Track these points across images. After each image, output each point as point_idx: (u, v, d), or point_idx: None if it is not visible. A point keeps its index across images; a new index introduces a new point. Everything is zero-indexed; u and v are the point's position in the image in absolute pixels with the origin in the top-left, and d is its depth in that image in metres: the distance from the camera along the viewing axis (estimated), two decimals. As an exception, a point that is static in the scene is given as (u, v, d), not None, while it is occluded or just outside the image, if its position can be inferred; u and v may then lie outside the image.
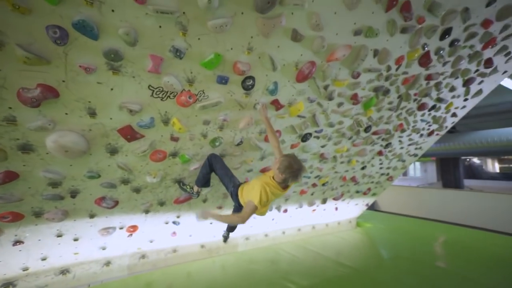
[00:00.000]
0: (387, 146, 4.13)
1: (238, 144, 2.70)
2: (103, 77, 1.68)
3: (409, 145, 4.51)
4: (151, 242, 3.50)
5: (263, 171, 3.23)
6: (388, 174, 5.16)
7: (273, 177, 2.15)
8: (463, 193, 8.65)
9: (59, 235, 2.64)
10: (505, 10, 2.53)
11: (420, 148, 4.83)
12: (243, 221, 2.11)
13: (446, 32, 2.54)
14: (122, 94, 1.82)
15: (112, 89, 1.76)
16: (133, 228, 3.09)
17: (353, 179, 4.59)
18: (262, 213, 2.31)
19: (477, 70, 3.39)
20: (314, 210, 4.95)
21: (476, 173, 19.14)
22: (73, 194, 2.31)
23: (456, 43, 2.73)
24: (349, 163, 4.08)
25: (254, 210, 2.11)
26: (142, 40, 1.61)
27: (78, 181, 2.23)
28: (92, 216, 2.64)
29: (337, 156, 3.77)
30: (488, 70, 3.49)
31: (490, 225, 6.54)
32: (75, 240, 2.80)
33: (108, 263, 3.36)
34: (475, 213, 7.19)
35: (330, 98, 2.67)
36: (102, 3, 1.40)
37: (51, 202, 2.27)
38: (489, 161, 20.74)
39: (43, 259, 2.80)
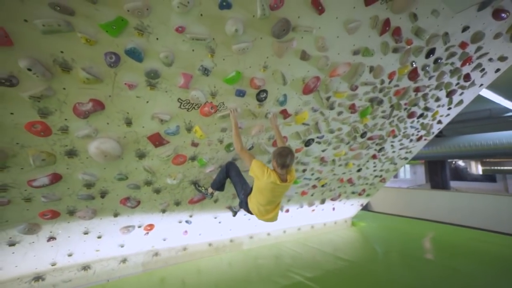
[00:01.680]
0: (380, 150, 4.47)
1: (249, 149, 2.97)
2: (141, 92, 1.95)
3: (400, 149, 4.87)
4: (164, 240, 3.71)
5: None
6: (381, 176, 5.50)
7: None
8: (449, 194, 9.12)
9: (86, 233, 2.85)
10: (477, 35, 2.93)
11: (410, 152, 5.20)
12: (239, 149, 2.34)
13: (431, 52, 2.90)
14: (155, 106, 2.09)
15: (147, 101, 2.03)
16: (150, 226, 3.31)
17: (349, 180, 4.91)
18: (270, 219, 2.47)
19: (457, 83, 3.78)
20: (313, 210, 5.24)
21: (461, 175, 19.86)
22: (103, 194, 2.53)
23: (439, 61, 3.10)
24: (346, 166, 4.40)
25: (250, 161, 2.30)
26: (177, 61, 1.88)
27: (108, 183, 2.47)
28: (116, 215, 2.86)
29: (335, 160, 4.08)
30: (467, 83, 3.89)
31: (475, 223, 6.96)
32: (99, 237, 3.01)
33: (124, 260, 3.56)
34: (461, 212, 7.61)
35: (331, 107, 2.98)
36: (150, 33, 1.67)
37: (83, 201, 2.49)
38: (472, 164, 21.46)
39: (69, 255, 2.99)
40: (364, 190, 5.69)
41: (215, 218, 3.86)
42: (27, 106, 1.66)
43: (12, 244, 2.45)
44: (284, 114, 2.76)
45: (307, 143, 3.36)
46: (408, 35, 2.57)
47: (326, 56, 2.38)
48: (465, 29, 2.82)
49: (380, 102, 3.34)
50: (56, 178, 2.12)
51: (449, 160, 14.35)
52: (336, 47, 2.36)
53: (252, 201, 2.46)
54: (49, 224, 2.50)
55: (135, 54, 1.71)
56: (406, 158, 5.39)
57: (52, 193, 2.24)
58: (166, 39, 1.74)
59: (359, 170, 4.78)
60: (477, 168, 21.19)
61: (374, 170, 5.13)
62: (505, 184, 17.15)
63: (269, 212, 2.46)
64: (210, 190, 2.95)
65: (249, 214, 2.67)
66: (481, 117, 8.36)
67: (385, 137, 4.18)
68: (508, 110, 8.38)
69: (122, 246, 3.37)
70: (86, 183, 2.33)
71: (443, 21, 2.60)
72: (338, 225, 6.47)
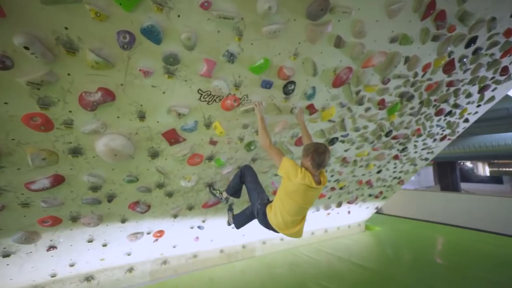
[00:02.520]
0: (403, 150, 4.19)
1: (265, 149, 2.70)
2: (158, 81, 1.69)
3: (423, 149, 4.58)
4: (174, 247, 3.44)
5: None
6: (400, 177, 5.22)
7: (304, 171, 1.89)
8: (464, 196, 8.83)
9: (90, 241, 2.58)
10: None
11: (432, 152, 4.92)
12: (267, 145, 2.03)
13: (472, 41, 2.62)
14: (172, 98, 1.83)
15: (164, 92, 1.77)
16: (160, 233, 3.04)
17: (368, 182, 4.63)
18: (295, 233, 2.10)
19: (493, 78, 3.49)
20: (328, 213, 4.96)
21: (467, 176, 19.53)
22: (110, 198, 2.27)
23: (479, 51, 2.82)
24: (367, 167, 4.12)
25: (280, 158, 1.96)
26: (200, 44, 1.62)
27: (116, 185, 2.21)
28: (123, 221, 2.59)
29: (357, 160, 3.80)
30: (502, 78, 3.60)
31: (494, 227, 6.64)
32: (104, 245, 2.74)
33: (131, 269, 3.29)
34: (477, 216, 7.31)
35: (360, 103, 2.71)
36: (171, 8, 1.41)
37: (88, 206, 2.23)
38: (480, 165, 21.10)
39: (71, 265, 2.73)
40: (381, 193, 5.40)
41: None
42: (24, 94, 1.40)
43: (6, 255, 2.18)
44: (311, 109, 2.49)
45: (331, 142, 3.08)
46: (452, 21, 2.30)
47: (362, 44, 2.11)
48: (513, 14, 2.54)
49: (411, 98, 3.06)
50: (58, 180, 1.86)
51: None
52: (373, 33, 2.09)
53: (274, 210, 2.06)
54: (49, 232, 2.24)
55: (153, 34, 1.45)
56: (426, 159, 5.10)
57: (53, 197, 1.98)
58: (189, 16, 1.47)
59: (379, 172, 4.50)
60: (484, 170, 20.87)
61: (394, 172, 4.85)
62: None
63: (295, 224, 2.08)
64: (225, 194, 2.70)
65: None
66: (497, 117, 7.98)
67: (409, 136, 3.90)
68: (522, 109, 8.10)
69: (129, 255, 3.10)
70: (92, 186, 2.07)
71: (493, 3, 2.32)
72: (352, 229, 6.17)
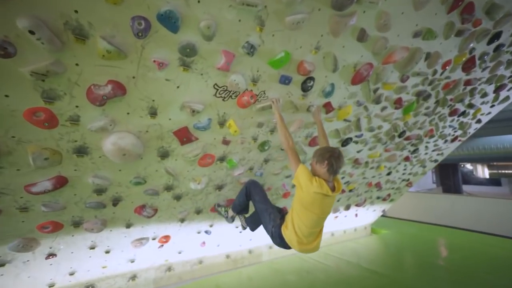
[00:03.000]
0: (414, 151, 4.09)
1: (283, 149, 2.58)
2: (172, 74, 1.56)
3: (433, 150, 4.49)
4: (179, 253, 3.29)
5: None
6: (408, 179, 5.11)
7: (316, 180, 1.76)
8: (468, 198, 8.77)
9: (92, 247, 2.43)
10: None
11: (442, 154, 4.83)
12: (287, 146, 1.89)
13: (496, 36, 2.52)
14: (186, 93, 1.70)
15: (178, 87, 1.64)
16: (166, 238, 2.89)
17: (377, 185, 4.52)
18: (313, 248, 1.94)
19: (510, 76, 3.40)
20: (336, 216, 4.83)
21: (467, 178, 19.55)
22: (115, 202, 2.13)
23: (501, 48, 2.73)
24: (377, 169, 4.01)
25: (297, 164, 1.82)
26: (219, 34, 1.49)
27: (123, 188, 2.06)
28: (128, 226, 2.44)
29: (368, 162, 3.69)
30: (518, 77, 3.52)
31: (502, 231, 6.55)
32: (107, 252, 2.59)
33: (134, 277, 3.13)
34: (480, 218, 7.24)
35: (377, 101, 2.60)
36: (191, -8, 1.28)
37: (92, 210, 2.08)
38: (479, 167, 21.15)
39: (71, 274, 2.56)
40: (389, 195, 5.29)
41: (237, 227, 3.44)
42: (27, 86, 1.27)
43: (1, 264, 2.01)
44: (328, 107, 2.38)
45: (345, 142, 2.96)
46: (478, 14, 2.20)
47: (385, 38, 2.00)
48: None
49: (427, 97, 2.96)
50: (61, 182, 1.71)
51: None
52: (397, 26, 1.98)
53: (290, 227, 1.89)
54: (49, 238, 2.09)
55: (170, 21, 1.32)
56: (436, 161, 5.01)
57: (54, 200, 1.83)
58: (210, 2, 1.35)
59: (389, 174, 4.39)
60: (483, 172, 20.93)
61: (403, 174, 4.75)
62: (511, 188, 16.94)
63: (315, 238, 1.93)
64: (231, 213, 2.52)
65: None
66: (504, 118, 7.89)
67: (422, 137, 3.80)
68: (528, 111, 8.07)
69: (132, 261, 2.94)
70: (97, 189, 1.93)
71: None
72: (358, 232, 6.05)
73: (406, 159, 4.19)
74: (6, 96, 1.25)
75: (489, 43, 2.55)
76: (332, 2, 1.60)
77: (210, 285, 3.42)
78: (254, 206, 2.23)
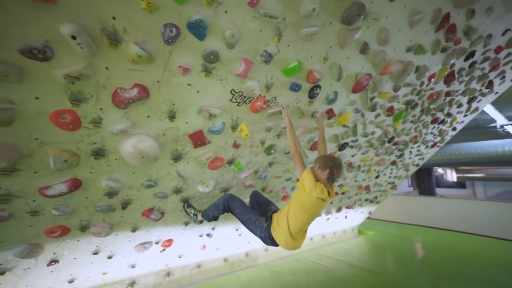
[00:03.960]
0: (400, 156, 4.35)
1: (287, 152, 2.67)
2: (194, 79, 1.60)
3: (416, 155, 4.79)
4: (180, 257, 3.24)
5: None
6: (393, 182, 5.39)
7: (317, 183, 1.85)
8: (442, 200, 9.34)
9: (96, 253, 2.35)
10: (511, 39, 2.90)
11: (423, 158, 5.15)
12: (294, 151, 1.96)
13: (471, 54, 2.81)
14: (205, 97, 1.74)
15: (198, 91, 1.68)
16: (169, 242, 2.84)
17: (367, 187, 4.72)
18: (298, 246, 2.03)
19: (480, 90, 3.77)
20: (328, 218, 4.97)
21: (438, 182, 20.77)
22: (125, 205, 2.09)
23: (474, 65, 3.03)
24: (368, 172, 4.21)
25: (302, 169, 1.91)
26: (241, 42, 1.57)
27: (134, 191, 2.04)
28: (134, 229, 2.40)
29: (361, 165, 3.87)
30: (487, 90, 3.90)
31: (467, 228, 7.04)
32: (109, 257, 2.51)
33: (133, 284, 3.03)
34: (453, 218, 7.74)
35: (373, 109, 2.78)
36: (220, 4, 1.35)
37: (101, 214, 2.03)
38: (448, 171, 22.49)
39: (70, 281, 2.45)
40: (376, 197, 5.53)
41: (237, 230, 3.46)
42: (58, 89, 1.26)
43: (1, 272, 1.90)
44: (330, 114, 2.51)
45: (342, 147, 3.11)
46: (459, 34, 2.45)
47: (383, 51, 2.18)
48: (505, 32, 2.77)
49: (415, 106, 3.20)
50: (76, 185, 1.68)
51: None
52: (394, 41, 2.16)
53: (283, 225, 1.94)
54: (54, 243, 2.00)
55: (199, 29, 1.37)
56: (418, 165, 5.33)
57: (66, 204, 1.77)
58: (236, 13, 1.42)
59: (377, 177, 4.62)
60: (452, 175, 22.34)
61: (390, 177, 5.00)
62: (474, 190, 18.27)
63: (301, 237, 2.04)
64: (199, 217, 2.37)
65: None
66: (468, 127, 8.62)
67: (408, 143, 4.06)
68: (492, 120, 8.87)
69: (133, 267, 2.85)
70: (109, 191, 1.90)
71: (492, 21, 2.52)
72: (347, 234, 6.23)
73: (393, 163, 4.43)
74: (37, 98, 1.24)
75: (465, 59, 2.84)
76: (342, 17, 1.73)
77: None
78: (238, 218, 2.20)
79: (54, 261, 2.12)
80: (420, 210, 8.77)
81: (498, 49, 3.01)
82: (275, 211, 2.14)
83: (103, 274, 2.67)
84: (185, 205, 2.44)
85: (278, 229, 1.99)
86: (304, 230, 2.05)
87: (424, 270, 4.09)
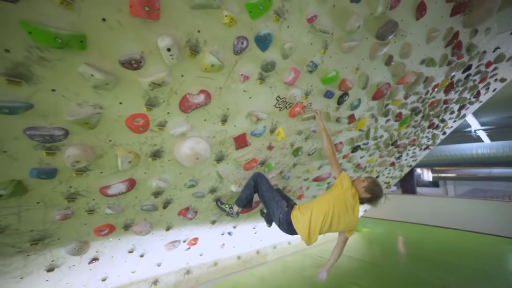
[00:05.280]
0: (398, 158, 4.63)
1: (310, 154, 2.81)
2: (250, 86, 1.70)
3: (411, 157, 5.11)
4: (200, 255, 3.28)
5: (316, 180, 3.36)
6: (389, 182, 5.70)
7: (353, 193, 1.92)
8: (423, 198, 9.93)
9: (131, 251, 2.36)
10: (500, 56, 3.26)
11: (416, 160, 5.50)
12: (331, 153, 2.04)
13: (468, 68, 3.11)
14: (255, 103, 1.84)
15: (250, 97, 1.78)
16: (195, 240, 2.88)
17: (367, 187, 4.97)
18: (313, 241, 1.99)
19: (469, 99, 4.13)
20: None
21: (416, 181, 21.97)
22: (166, 204, 2.13)
23: (469, 77, 3.34)
24: (370, 173, 4.44)
25: (339, 170, 2.00)
26: (294, 54, 1.69)
27: (176, 190, 2.09)
28: (168, 228, 2.43)
29: (366, 166, 4.09)
30: (474, 100, 4.27)
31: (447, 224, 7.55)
32: (141, 256, 2.52)
33: (156, 282, 3.04)
34: (434, 214, 8.26)
35: (386, 115, 2.99)
36: (285, 19, 1.47)
37: (144, 213, 2.06)
38: (425, 171, 23.74)
39: (103, 279, 2.44)
40: (372, 197, 5.80)
41: (254, 228, 3.55)
42: (138, 94, 1.32)
43: (51, 269, 1.89)
44: (351, 118, 2.68)
45: (354, 149, 3.30)
46: (463, 50, 2.72)
47: (403, 63, 2.38)
48: (496, 49, 3.10)
49: (419, 112, 3.46)
50: (132, 184, 1.71)
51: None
52: (412, 54, 2.37)
53: (306, 214, 1.96)
54: (98, 242, 2.01)
55: (265, 42, 1.48)
56: (411, 166, 5.67)
57: (118, 203, 1.80)
58: (296, 28, 1.54)
59: (377, 177, 4.88)
60: (428, 175, 23.68)
61: (387, 177, 5.29)
62: (446, 189, 19.52)
63: (317, 235, 1.99)
64: (235, 208, 2.40)
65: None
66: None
67: (407, 146, 4.34)
68: (468, 125, 9.59)
69: (159, 265, 2.87)
70: (156, 191, 1.94)
71: (488, 40, 2.81)
72: (344, 232, 6.47)
73: (392, 164, 4.71)
74: (120, 103, 1.28)
75: (463, 72, 3.13)
76: (377, 33, 1.90)
77: (226, 287, 3.45)
78: (261, 195, 2.21)
79: (94, 259, 2.12)
80: (405, 208, 9.28)
81: (488, 64, 3.34)
82: (296, 204, 2.16)
83: (132, 272, 2.67)
84: (218, 203, 2.50)
85: (300, 217, 1.99)
86: (319, 232, 1.96)
87: (419, 262, 4.37)
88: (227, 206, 2.47)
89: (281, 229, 2.13)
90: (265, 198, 2.18)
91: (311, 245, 2.04)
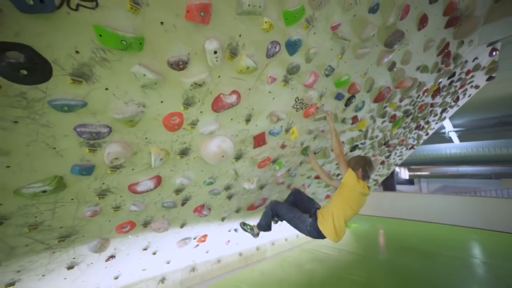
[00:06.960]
0: (388, 156, 4.91)
1: (316, 152, 2.93)
2: (275, 87, 1.77)
3: (398, 156, 5.42)
4: (207, 252, 3.29)
5: (317, 177, 3.49)
6: (377, 180, 6.00)
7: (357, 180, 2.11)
8: (402, 195, 10.52)
9: (145, 248, 2.34)
10: (477, 66, 3.59)
11: (401, 158, 5.84)
12: (339, 152, 2.20)
13: (452, 75, 3.39)
14: (277, 103, 1.91)
15: (273, 98, 1.85)
16: (204, 237, 2.90)
17: (358, 184, 5.21)
18: (341, 237, 2.20)
19: (450, 103, 4.48)
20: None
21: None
22: (184, 201, 2.15)
23: (452, 83, 3.64)
24: (363, 171, 4.67)
25: (346, 167, 2.14)
26: (316, 58, 1.78)
27: (196, 188, 2.11)
28: (182, 225, 2.43)
29: (360, 165, 4.30)
30: (454, 104, 4.64)
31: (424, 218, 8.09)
32: (154, 253, 2.50)
33: (163, 280, 3.01)
34: (412, 210, 8.80)
35: (383, 116, 3.18)
36: (313, 27, 1.56)
37: (163, 210, 2.06)
38: (402, 170, 25.03)
39: (116, 277, 2.39)
40: (361, 193, 6.08)
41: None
42: (178, 94, 1.35)
43: (71, 266, 1.84)
44: (354, 120, 2.83)
45: (353, 148, 3.47)
46: (450, 59, 2.97)
47: (403, 69, 2.56)
48: (474, 59, 3.41)
49: (410, 115, 3.71)
50: (159, 181, 1.72)
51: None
52: (411, 61, 2.56)
53: (329, 219, 2.13)
54: (118, 239, 1.98)
55: (294, 47, 1.56)
56: (397, 164, 6.01)
57: (142, 200, 1.80)
58: (321, 34, 1.64)
59: (368, 175, 5.12)
60: (405, 173, 25.04)
61: (376, 175, 5.57)
62: (420, 186, 20.75)
63: (344, 228, 2.21)
64: (256, 230, 2.65)
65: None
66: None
67: (396, 145, 4.62)
68: (442, 127, 10.31)
69: (168, 263, 2.85)
70: (178, 188, 1.95)
71: (470, 51, 3.09)
72: (334, 227, 6.71)
73: (382, 163, 4.98)
74: (161, 102, 1.30)
75: (448, 78, 3.41)
76: (386, 41, 2.05)
77: (230, 283, 3.49)
78: (283, 218, 2.41)
79: (111, 257, 2.08)
80: (386, 204, 9.80)
81: (468, 72, 3.66)
82: (318, 208, 2.34)
83: (143, 270, 2.63)
84: (242, 224, 2.71)
85: (325, 223, 2.16)
86: (345, 225, 2.20)
87: (407, 253, 4.66)
88: (248, 227, 2.70)
89: (311, 237, 2.31)
90: (288, 220, 2.37)
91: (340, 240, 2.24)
